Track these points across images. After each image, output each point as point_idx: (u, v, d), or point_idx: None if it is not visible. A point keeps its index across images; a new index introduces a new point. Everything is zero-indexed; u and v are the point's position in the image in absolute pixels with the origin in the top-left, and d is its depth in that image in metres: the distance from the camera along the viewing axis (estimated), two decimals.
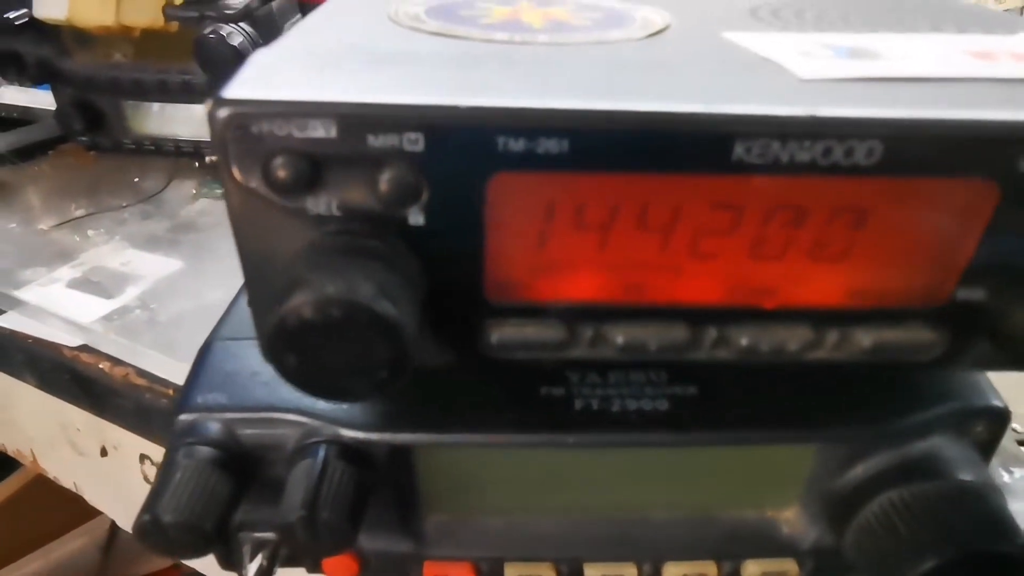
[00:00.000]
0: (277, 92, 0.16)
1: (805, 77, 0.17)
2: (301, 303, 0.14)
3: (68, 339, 0.39)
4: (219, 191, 0.53)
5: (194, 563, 0.34)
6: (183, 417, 0.21)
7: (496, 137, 0.15)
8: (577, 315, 0.18)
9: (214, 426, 0.21)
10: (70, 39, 0.54)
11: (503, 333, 0.18)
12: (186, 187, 0.55)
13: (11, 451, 0.49)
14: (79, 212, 0.51)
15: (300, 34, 0.21)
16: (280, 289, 0.15)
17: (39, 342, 0.40)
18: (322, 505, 0.19)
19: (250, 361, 0.23)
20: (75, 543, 0.78)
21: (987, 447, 0.22)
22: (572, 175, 0.16)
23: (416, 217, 0.17)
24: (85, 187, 0.55)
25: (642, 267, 0.17)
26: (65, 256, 0.46)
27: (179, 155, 0.57)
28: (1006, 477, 0.29)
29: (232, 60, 0.47)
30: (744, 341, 0.18)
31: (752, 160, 0.15)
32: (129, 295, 0.42)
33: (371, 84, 0.17)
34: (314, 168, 0.16)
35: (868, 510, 0.21)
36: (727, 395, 0.22)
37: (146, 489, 0.20)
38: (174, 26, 0.50)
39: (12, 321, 0.41)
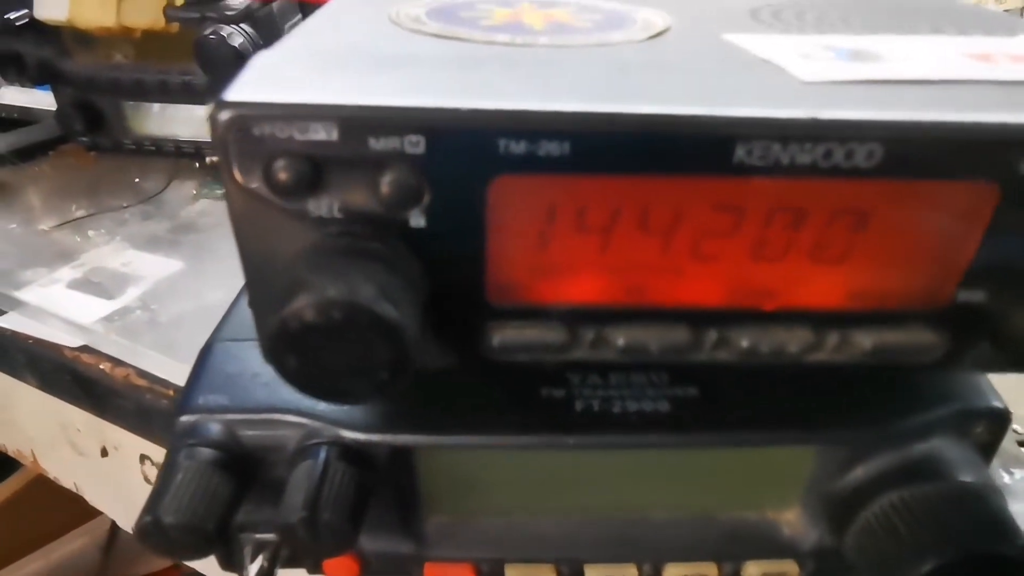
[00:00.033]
0: (279, 95, 0.16)
1: (806, 79, 0.17)
2: (302, 305, 0.14)
3: (69, 340, 0.39)
4: (219, 192, 0.53)
5: (195, 564, 0.34)
6: (184, 418, 0.21)
7: (497, 140, 0.15)
8: (578, 317, 0.18)
9: (215, 427, 0.21)
10: (71, 40, 0.54)
11: (504, 335, 0.18)
12: (186, 188, 0.55)
13: (11, 451, 0.49)
14: (80, 213, 0.51)
15: (301, 36, 0.21)
16: (281, 291, 0.15)
17: (40, 343, 0.40)
18: (323, 506, 0.19)
19: (251, 362, 0.23)
20: (75, 543, 0.78)
21: (988, 448, 0.22)
22: (573, 177, 0.16)
23: (417, 219, 0.17)
24: (85, 188, 0.55)
25: (643, 269, 0.17)
26: (66, 257, 0.46)
27: (179, 156, 0.57)
28: (1006, 478, 0.29)
29: (233, 61, 0.47)
30: (745, 343, 0.18)
31: (753, 162, 0.15)
32: (130, 296, 0.42)
33: (372, 86, 0.17)
34: (315, 170, 0.16)
35: (869, 511, 0.21)
36: (728, 396, 0.22)
37: (146, 489, 0.20)
38: (175, 27, 0.50)
39: (13, 322, 0.41)
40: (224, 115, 0.15)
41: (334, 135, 0.15)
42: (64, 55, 0.54)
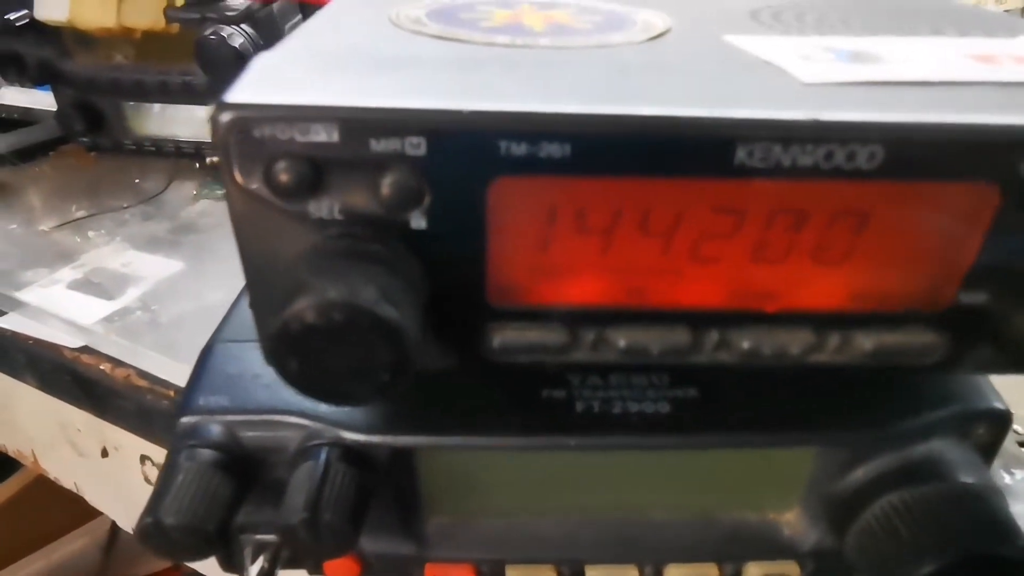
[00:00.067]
0: (279, 96, 0.16)
1: (807, 81, 0.17)
2: (303, 307, 0.14)
3: (69, 340, 0.39)
4: (219, 192, 0.53)
5: (196, 565, 0.34)
6: (185, 419, 0.21)
7: (498, 141, 0.15)
8: (579, 319, 0.18)
9: (216, 428, 0.21)
10: (71, 40, 0.54)
11: (505, 336, 0.18)
12: (187, 188, 0.55)
13: (12, 452, 0.49)
14: (80, 213, 0.51)
15: (302, 37, 0.21)
16: (282, 293, 0.15)
17: (40, 343, 0.40)
18: (324, 507, 0.19)
19: (252, 363, 0.23)
20: (76, 544, 0.78)
21: (988, 449, 0.22)
22: (574, 179, 0.16)
23: (418, 221, 0.17)
24: (86, 188, 0.55)
25: (644, 271, 0.17)
26: (66, 257, 0.46)
27: (180, 156, 0.57)
28: (1007, 479, 0.29)
29: (233, 61, 0.47)
30: (746, 344, 0.18)
31: (754, 164, 0.15)
32: (130, 296, 0.42)
33: (373, 88, 0.17)
34: (316, 172, 0.16)
35: (869, 512, 0.21)
36: (728, 398, 0.22)
37: (147, 490, 0.20)
38: (175, 28, 0.50)
39: (13, 322, 0.41)
40: (225, 116, 0.15)
41: (335, 136, 0.15)
42: (64, 55, 0.54)
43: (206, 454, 0.20)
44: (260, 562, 0.23)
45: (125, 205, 0.53)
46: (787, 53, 0.19)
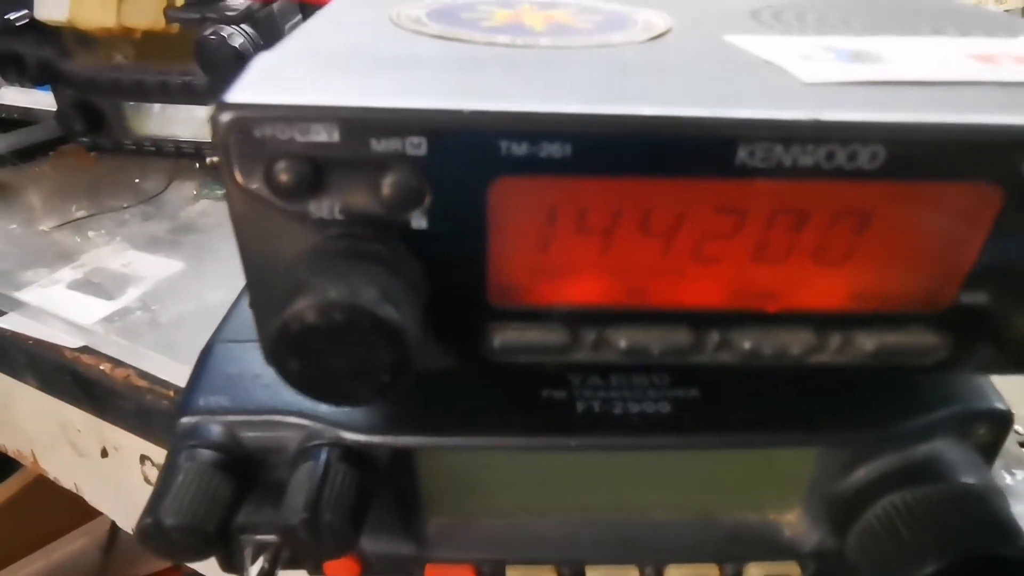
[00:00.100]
0: (280, 96, 0.16)
1: (807, 81, 0.17)
2: (304, 307, 0.14)
3: (69, 340, 0.39)
4: (220, 192, 0.53)
5: (196, 565, 0.34)
6: (185, 420, 0.21)
7: (499, 141, 0.15)
8: (580, 319, 0.18)
9: (216, 429, 0.21)
10: (71, 40, 0.54)
11: (506, 337, 0.18)
12: (187, 188, 0.55)
13: (11, 452, 0.49)
14: (80, 213, 0.51)
15: (302, 37, 0.21)
16: (282, 293, 0.15)
17: (40, 343, 0.40)
18: (324, 508, 0.19)
19: (252, 363, 0.23)
20: (76, 544, 0.78)
21: (990, 450, 0.22)
22: (575, 179, 0.16)
23: (419, 221, 0.17)
24: (86, 188, 0.55)
25: (645, 271, 0.17)
26: (66, 257, 0.46)
27: (180, 156, 0.57)
28: (1008, 479, 0.29)
29: (233, 61, 0.47)
30: (747, 345, 0.18)
31: (755, 164, 0.15)
32: (130, 296, 0.42)
33: (374, 88, 0.17)
34: (316, 172, 0.16)
35: (870, 513, 0.21)
36: (729, 398, 0.22)
37: (146, 490, 0.20)
38: (175, 28, 0.50)
39: (13, 322, 0.41)
40: (225, 116, 0.15)
41: (335, 136, 0.15)
42: (64, 55, 0.54)
43: (206, 454, 0.20)
44: (260, 562, 0.23)
45: (125, 205, 0.52)
46: (788, 53, 0.19)
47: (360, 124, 0.15)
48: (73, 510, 0.63)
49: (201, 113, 0.54)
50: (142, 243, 0.47)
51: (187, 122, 0.56)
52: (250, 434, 0.21)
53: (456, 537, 0.24)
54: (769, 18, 0.24)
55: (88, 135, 0.58)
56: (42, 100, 0.64)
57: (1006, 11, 0.75)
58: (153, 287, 0.42)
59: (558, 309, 0.18)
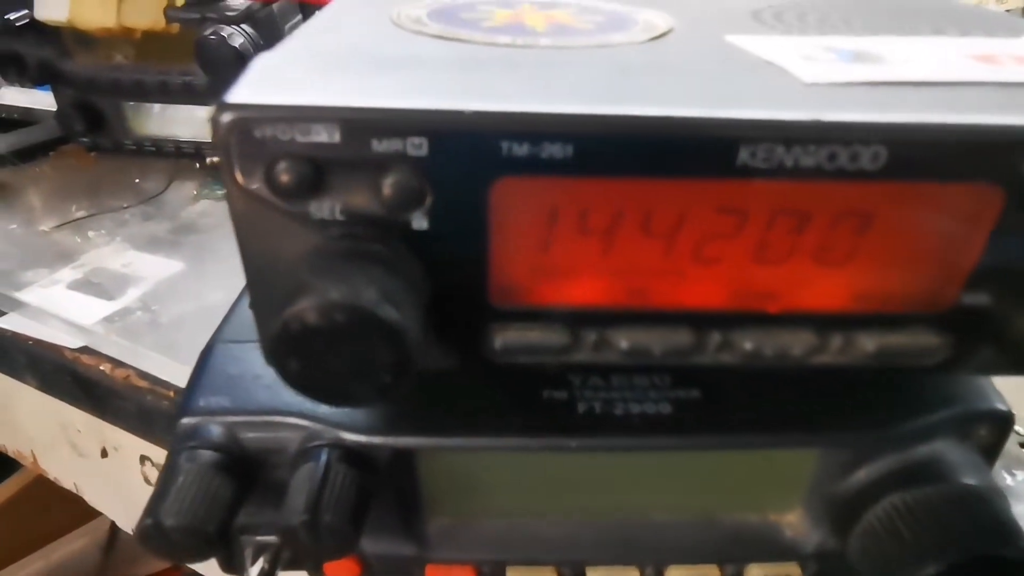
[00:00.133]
0: (281, 96, 0.15)
1: (809, 81, 0.17)
2: (304, 308, 0.14)
3: (69, 341, 0.39)
4: (220, 192, 0.53)
5: (196, 566, 0.34)
6: (185, 420, 0.21)
7: (500, 142, 0.15)
8: (581, 319, 0.18)
9: (216, 429, 0.21)
10: (71, 40, 0.54)
11: (507, 337, 0.18)
12: (187, 188, 0.55)
13: (11, 452, 0.49)
14: (80, 213, 0.51)
15: (303, 37, 0.21)
16: (283, 293, 0.15)
17: (40, 344, 0.40)
18: (324, 509, 0.19)
19: (252, 364, 0.23)
20: (76, 544, 0.78)
21: (991, 451, 0.22)
22: (576, 180, 0.16)
23: (420, 221, 0.16)
24: (86, 188, 0.55)
25: (646, 272, 0.17)
26: (66, 257, 0.46)
27: (180, 156, 0.57)
28: (1009, 480, 0.29)
29: (233, 61, 0.47)
30: (748, 345, 0.18)
31: (756, 165, 0.15)
32: (130, 297, 0.42)
33: (374, 88, 0.17)
34: (317, 172, 0.16)
35: (871, 514, 0.20)
36: (730, 399, 0.22)
37: (146, 490, 0.20)
38: (175, 28, 0.50)
39: (13, 323, 0.41)
40: (226, 117, 0.15)
41: (336, 137, 0.15)
42: (64, 56, 0.54)
43: (206, 455, 0.20)
44: (260, 563, 0.23)
45: (125, 205, 0.52)
46: (789, 53, 0.19)
47: (361, 124, 0.15)
48: (73, 510, 0.63)
49: (201, 113, 0.54)
50: (142, 243, 0.47)
51: (187, 122, 0.56)
52: (250, 435, 0.21)
53: (457, 538, 0.24)
54: (770, 18, 0.24)
55: (88, 135, 0.58)
56: (42, 100, 0.64)
57: (1007, 11, 0.75)
58: (153, 287, 0.42)
59: (559, 310, 0.18)
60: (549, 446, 0.21)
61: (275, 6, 0.51)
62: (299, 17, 0.54)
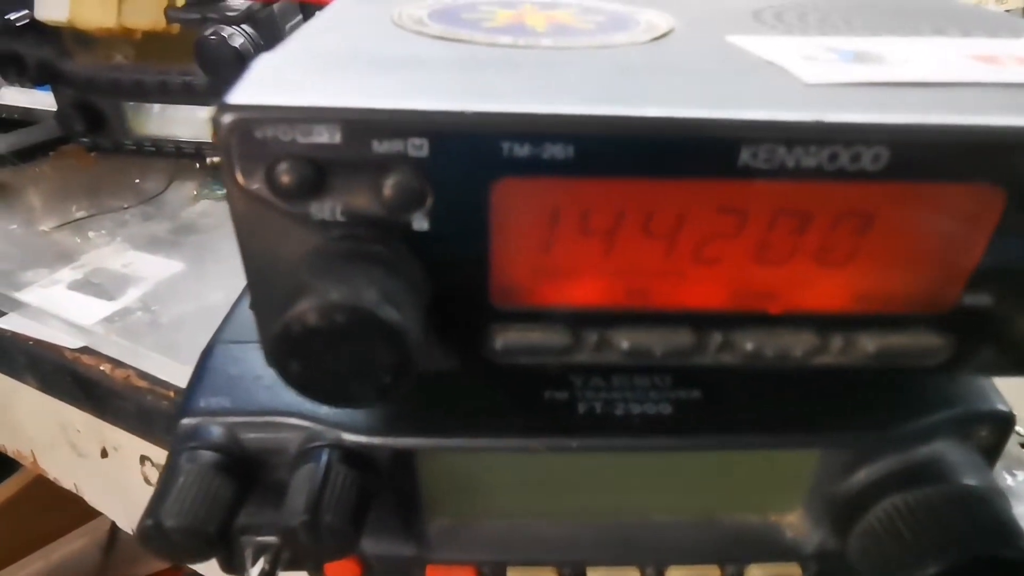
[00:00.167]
0: (282, 97, 0.15)
1: (810, 81, 0.17)
2: (305, 309, 0.14)
3: (69, 341, 0.39)
4: (220, 192, 0.53)
5: (196, 566, 0.34)
6: (186, 421, 0.21)
7: (501, 143, 0.15)
8: (582, 320, 0.18)
9: (217, 430, 0.21)
10: (71, 40, 0.54)
11: (508, 338, 0.18)
12: (187, 188, 0.55)
13: (11, 452, 0.49)
14: (80, 213, 0.51)
15: (304, 38, 0.21)
16: (284, 294, 0.15)
17: (40, 344, 0.40)
18: (325, 509, 0.19)
19: (253, 364, 0.23)
20: (76, 544, 0.78)
21: (992, 451, 0.22)
22: (577, 180, 0.16)
23: (420, 222, 0.16)
24: (86, 188, 0.55)
25: (647, 272, 0.17)
26: (66, 258, 0.46)
27: (180, 156, 0.57)
28: (1010, 480, 0.29)
29: (233, 62, 0.47)
30: (749, 346, 0.18)
31: (758, 165, 0.15)
32: (130, 297, 0.42)
33: (375, 89, 0.17)
34: (318, 173, 0.16)
35: (872, 514, 0.21)
36: (731, 399, 0.22)
37: (146, 490, 0.20)
38: (175, 28, 0.50)
39: (13, 323, 0.41)
40: (227, 118, 0.15)
41: (337, 138, 0.15)
42: (64, 56, 0.54)
43: (207, 456, 0.20)
44: (261, 564, 0.23)
45: (125, 205, 0.52)
46: (790, 54, 0.19)
47: (362, 125, 0.15)
48: (73, 510, 0.63)
49: (201, 113, 0.54)
50: (142, 243, 0.47)
51: (187, 122, 0.56)
52: (251, 435, 0.21)
53: (457, 538, 0.24)
54: (771, 18, 0.24)
55: (88, 135, 0.58)
56: (42, 100, 0.64)
57: (1007, 11, 0.75)
58: (153, 287, 0.42)
59: (560, 310, 0.18)
60: (550, 446, 0.21)
61: (275, 6, 0.51)
62: (299, 17, 0.54)
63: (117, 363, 0.38)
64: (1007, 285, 0.17)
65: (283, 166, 0.16)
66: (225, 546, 0.20)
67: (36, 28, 0.53)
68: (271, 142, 0.15)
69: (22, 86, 0.57)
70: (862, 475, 0.21)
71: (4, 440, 0.49)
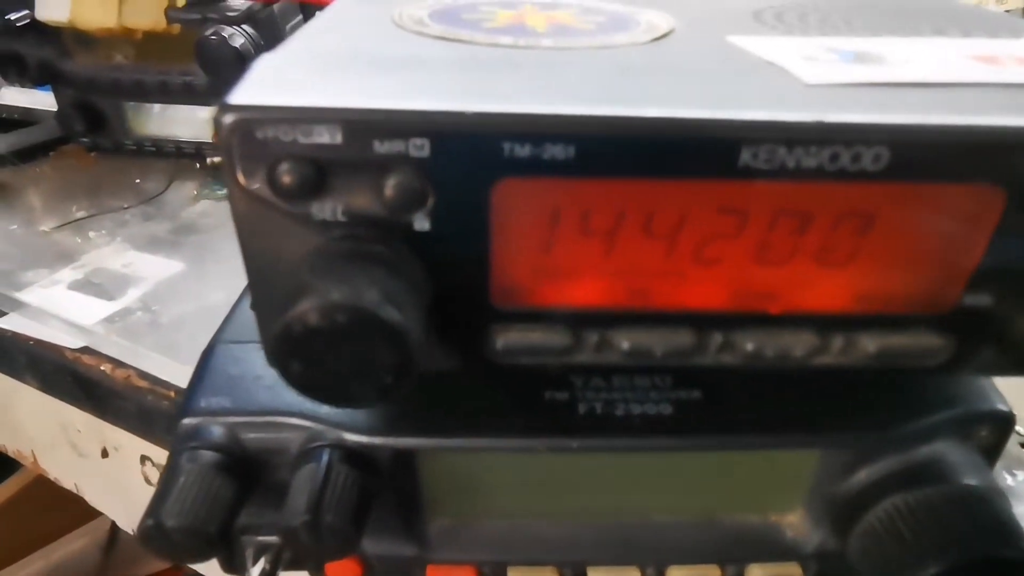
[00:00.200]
0: (283, 97, 0.15)
1: (810, 82, 0.17)
2: (306, 309, 0.14)
3: (70, 341, 0.39)
4: (220, 192, 0.53)
5: (197, 566, 0.34)
6: (186, 421, 0.21)
7: (502, 143, 0.15)
8: (582, 320, 0.18)
9: (217, 430, 0.21)
10: (71, 40, 0.54)
11: (508, 338, 0.18)
12: (187, 188, 0.55)
13: (12, 452, 0.49)
14: (80, 213, 0.51)
15: (305, 38, 0.21)
16: (285, 295, 0.15)
17: (41, 344, 0.40)
18: (326, 509, 0.19)
19: (253, 364, 0.23)
20: (76, 544, 0.78)
21: (992, 451, 0.22)
22: (577, 181, 0.16)
23: (422, 222, 0.17)
24: (86, 188, 0.55)
25: (647, 272, 0.17)
26: (66, 258, 0.46)
27: (180, 156, 0.57)
28: (1010, 480, 0.29)
29: (233, 62, 0.47)
30: (749, 346, 0.18)
31: (758, 166, 0.15)
32: (131, 297, 0.42)
33: (376, 89, 0.17)
34: (319, 174, 0.16)
35: (872, 515, 0.21)
36: (731, 400, 0.22)
37: (147, 490, 0.20)
38: (176, 28, 0.50)
39: (14, 323, 0.41)
40: (228, 118, 0.15)
41: (338, 138, 0.15)
42: (65, 56, 0.54)
43: (208, 456, 0.20)
44: (262, 564, 0.23)
45: (126, 205, 0.52)
46: (790, 54, 0.19)
47: (363, 126, 0.15)
48: (73, 510, 0.63)
49: (201, 113, 0.54)
50: (143, 243, 0.47)
51: (187, 122, 0.56)
52: (252, 435, 0.21)
53: (458, 538, 0.24)
54: (771, 19, 0.24)
55: (88, 135, 0.58)
56: (43, 100, 0.64)
57: (1007, 11, 0.75)
58: (154, 288, 0.42)
59: (561, 311, 0.18)
60: (550, 447, 0.21)
61: (276, 7, 0.51)
62: (300, 18, 0.54)
63: (118, 363, 0.38)
64: (1007, 285, 0.17)
65: (284, 166, 0.16)
66: (226, 546, 0.20)
67: (37, 28, 0.53)
68: (272, 142, 0.15)
69: (22, 86, 0.57)
70: (862, 475, 0.21)
71: (5, 440, 0.49)
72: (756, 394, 0.22)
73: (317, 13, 0.25)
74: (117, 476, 0.42)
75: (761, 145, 0.15)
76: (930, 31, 0.22)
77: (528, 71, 0.18)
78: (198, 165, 0.57)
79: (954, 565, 0.18)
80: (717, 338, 0.18)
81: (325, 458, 0.20)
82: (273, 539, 0.23)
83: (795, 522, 0.23)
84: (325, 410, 0.21)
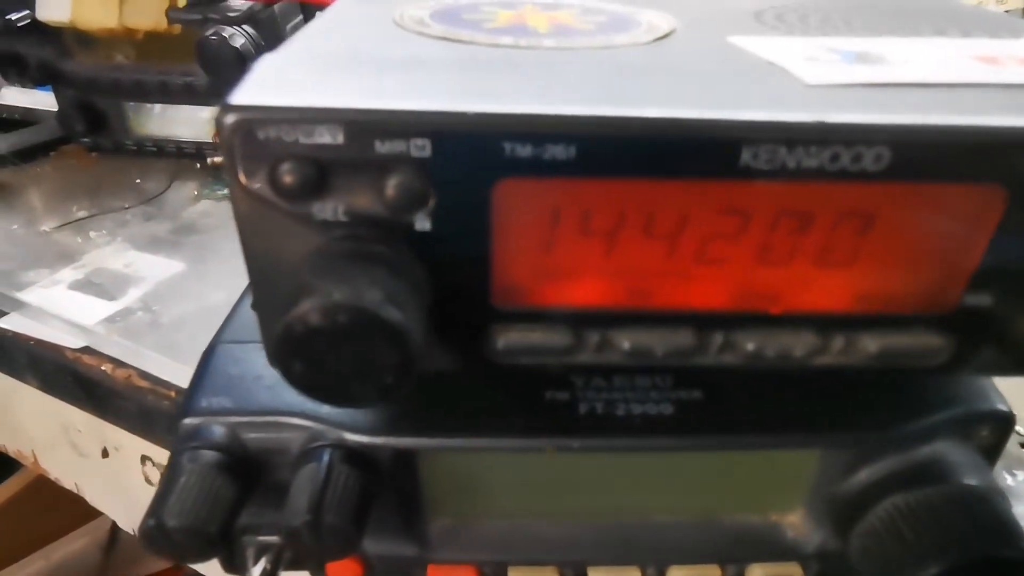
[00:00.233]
0: (284, 98, 0.16)
1: (811, 82, 0.17)
2: (308, 309, 0.14)
3: (70, 341, 0.39)
4: (220, 192, 0.53)
5: (198, 566, 0.34)
6: (187, 421, 0.21)
7: (503, 143, 0.15)
8: (583, 320, 0.18)
9: (218, 430, 0.21)
10: (72, 41, 0.54)
11: (509, 338, 0.18)
12: (188, 188, 0.55)
13: (12, 452, 0.49)
14: (81, 213, 0.51)
15: (306, 39, 0.21)
16: (286, 295, 0.15)
17: (41, 344, 0.40)
18: (327, 509, 0.19)
19: (254, 364, 0.23)
20: (76, 544, 0.78)
21: (992, 451, 0.22)
22: (578, 181, 0.16)
23: (423, 223, 0.17)
24: (87, 188, 0.55)
25: (648, 273, 0.17)
26: (67, 258, 0.46)
27: (181, 156, 0.57)
28: (1010, 480, 0.29)
29: (234, 62, 0.47)
30: (750, 346, 0.18)
31: (759, 166, 0.15)
32: (131, 297, 0.42)
33: (378, 90, 0.17)
34: (321, 174, 0.16)
35: (873, 515, 0.21)
36: (732, 399, 0.22)
37: (147, 490, 0.20)
38: (177, 28, 0.50)
39: (14, 323, 0.41)
40: (230, 118, 0.15)
41: (339, 138, 0.15)
42: (66, 56, 0.54)
43: (209, 456, 0.20)
44: (262, 563, 0.23)
45: (126, 205, 0.52)
46: (791, 54, 0.19)
47: (364, 126, 0.15)
48: (74, 510, 0.63)
49: (202, 114, 0.54)
50: (143, 243, 0.47)
51: (188, 122, 0.56)
52: (252, 435, 0.21)
53: (458, 538, 0.24)
54: (772, 19, 0.24)
55: (89, 135, 0.58)
56: (43, 100, 0.63)
57: (1007, 11, 0.75)
58: (154, 287, 0.42)
59: (562, 311, 0.18)
60: (552, 447, 0.21)
61: (277, 7, 0.51)
62: (300, 18, 0.54)
63: (118, 363, 0.38)
64: (1008, 285, 0.17)
65: (285, 166, 0.16)
66: (227, 546, 0.20)
67: (37, 28, 0.53)
68: (274, 142, 0.15)
69: (23, 86, 0.57)
70: (863, 475, 0.21)
71: (5, 440, 0.49)
72: (757, 394, 0.22)
73: (318, 13, 0.25)
74: (117, 476, 0.42)
75: (762, 145, 0.15)
76: (930, 31, 0.22)
77: (529, 71, 0.18)
78: (199, 165, 0.57)
79: (954, 565, 0.18)
80: (718, 338, 0.18)
81: (326, 458, 0.20)
82: (274, 539, 0.23)
83: (796, 522, 0.24)
84: (326, 410, 0.21)
